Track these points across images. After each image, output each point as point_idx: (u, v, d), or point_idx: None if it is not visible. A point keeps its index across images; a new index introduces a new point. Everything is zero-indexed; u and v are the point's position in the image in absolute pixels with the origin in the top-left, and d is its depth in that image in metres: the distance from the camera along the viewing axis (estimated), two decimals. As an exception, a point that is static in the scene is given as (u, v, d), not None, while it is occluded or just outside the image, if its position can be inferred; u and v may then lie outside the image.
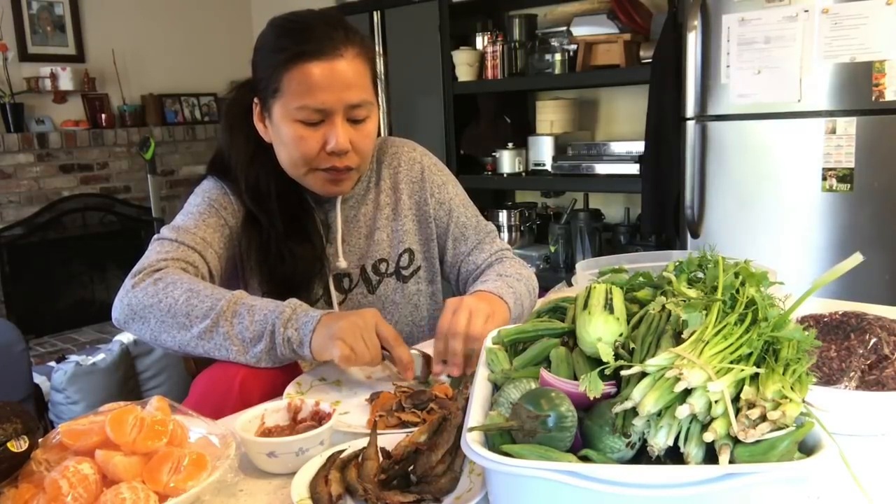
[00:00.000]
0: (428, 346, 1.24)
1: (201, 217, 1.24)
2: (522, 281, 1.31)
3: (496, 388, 0.79)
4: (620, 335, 0.75)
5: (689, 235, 2.69)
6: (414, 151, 1.43)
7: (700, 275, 0.84)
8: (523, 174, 3.60)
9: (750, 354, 0.67)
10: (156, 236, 1.22)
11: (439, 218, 1.41)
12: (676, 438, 0.63)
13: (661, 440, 0.63)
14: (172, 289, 1.10)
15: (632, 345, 0.74)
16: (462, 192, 1.45)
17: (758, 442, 0.61)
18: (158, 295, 1.10)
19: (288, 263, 1.26)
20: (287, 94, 1.17)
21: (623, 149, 3.28)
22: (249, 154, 1.27)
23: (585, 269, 1.29)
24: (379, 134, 1.35)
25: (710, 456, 0.63)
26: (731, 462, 0.61)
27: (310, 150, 1.20)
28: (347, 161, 1.22)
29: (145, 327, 1.11)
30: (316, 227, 1.32)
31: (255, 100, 1.25)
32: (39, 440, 0.81)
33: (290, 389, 1.08)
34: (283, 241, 1.26)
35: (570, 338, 0.82)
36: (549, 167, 3.48)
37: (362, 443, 0.86)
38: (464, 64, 3.67)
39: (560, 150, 3.48)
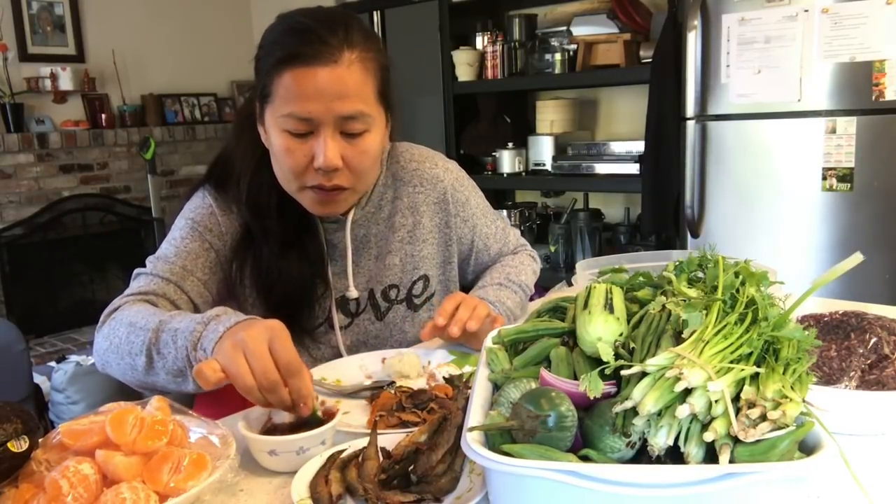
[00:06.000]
0: (418, 349, 1.24)
1: (183, 242, 1.16)
2: (520, 293, 1.36)
3: (496, 387, 0.79)
4: (620, 335, 0.75)
5: (689, 235, 2.69)
6: (436, 168, 1.34)
7: (700, 274, 0.84)
8: (523, 174, 3.60)
9: (750, 354, 0.67)
10: (136, 270, 1.16)
11: (464, 235, 1.36)
12: (676, 438, 0.63)
13: (661, 440, 0.63)
14: (118, 326, 1.02)
15: (632, 344, 0.74)
16: (482, 201, 1.40)
17: (758, 441, 0.61)
18: (109, 337, 1.03)
19: (283, 285, 1.15)
20: (276, 99, 1.08)
21: (623, 148, 3.29)
22: (255, 161, 1.17)
23: (585, 269, 1.29)
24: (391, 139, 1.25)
25: (711, 455, 0.63)
26: (731, 462, 0.61)
27: (296, 164, 1.09)
28: (337, 180, 1.11)
29: (115, 371, 1.04)
30: (318, 247, 1.23)
31: (257, 102, 1.15)
32: (39, 440, 0.80)
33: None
34: (276, 261, 1.17)
35: (570, 337, 0.82)
36: (549, 167, 3.48)
37: (362, 443, 0.86)
38: (464, 64, 3.67)
39: (560, 150, 3.48)
